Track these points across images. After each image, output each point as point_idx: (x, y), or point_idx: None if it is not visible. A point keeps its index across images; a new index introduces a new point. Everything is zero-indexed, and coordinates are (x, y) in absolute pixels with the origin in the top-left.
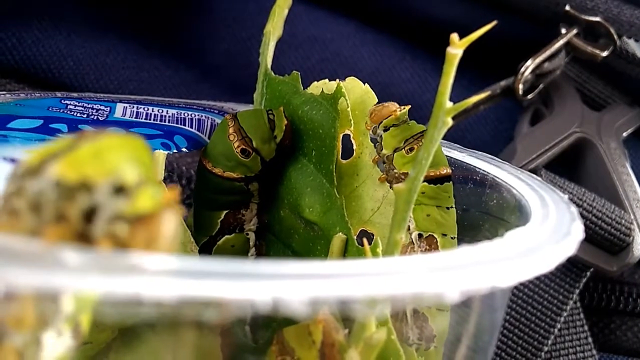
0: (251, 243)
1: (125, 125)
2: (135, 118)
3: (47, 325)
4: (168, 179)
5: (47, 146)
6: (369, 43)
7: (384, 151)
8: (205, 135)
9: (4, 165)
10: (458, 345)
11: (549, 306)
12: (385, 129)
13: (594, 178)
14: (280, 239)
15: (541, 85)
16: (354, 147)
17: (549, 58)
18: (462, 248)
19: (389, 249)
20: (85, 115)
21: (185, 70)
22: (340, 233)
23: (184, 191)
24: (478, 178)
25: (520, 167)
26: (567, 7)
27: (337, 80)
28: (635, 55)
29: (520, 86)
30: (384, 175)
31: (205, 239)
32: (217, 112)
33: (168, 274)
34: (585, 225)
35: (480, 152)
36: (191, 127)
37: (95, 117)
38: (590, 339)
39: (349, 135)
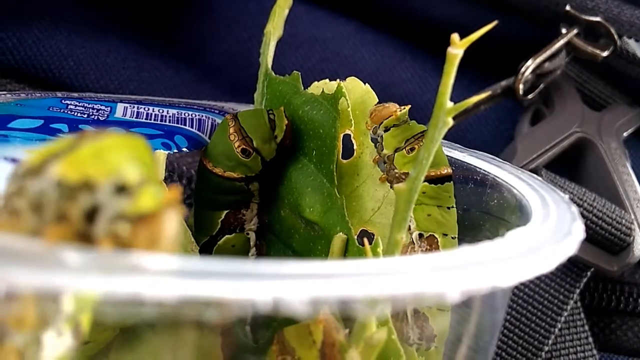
0: (252, 243)
1: (126, 125)
2: (135, 118)
3: (48, 325)
4: (168, 179)
5: (48, 146)
6: (370, 43)
7: (384, 151)
8: (205, 135)
9: (4, 165)
10: (459, 345)
11: (549, 306)
12: (386, 129)
13: (595, 178)
14: (280, 239)
15: (542, 85)
16: (355, 147)
17: (550, 58)
18: (463, 248)
19: (389, 249)
20: (85, 115)
21: (186, 70)
22: (341, 233)
23: (185, 191)
24: (479, 178)
25: (521, 167)
26: (568, 7)
27: (338, 80)
28: (635, 55)
29: (521, 86)
30: (384, 175)
31: (206, 238)
32: (217, 112)
33: (168, 274)
34: (586, 225)
35: (480, 152)
36: (192, 127)
37: (96, 117)
38: (590, 339)
39: (350, 135)
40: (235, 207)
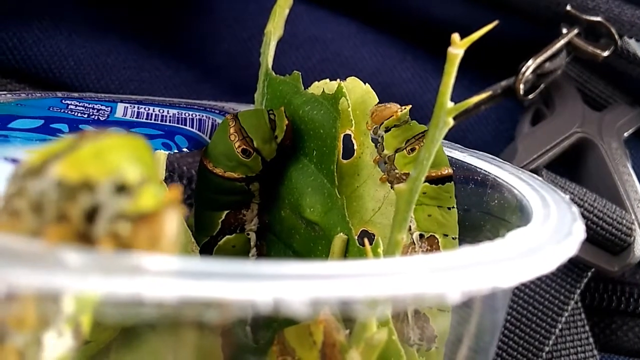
0: (252, 243)
1: (126, 125)
2: (136, 118)
3: (48, 325)
4: (169, 179)
5: (49, 146)
6: (370, 43)
7: (385, 151)
8: (206, 136)
9: (5, 165)
10: (459, 346)
11: (550, 306)
12: (387, 130)
13: (595, 178)
14: (281, 239)
15: (542, 85)
16: (355, 147)
17: (550, 58)
18: (464, 248)
19: (390, 250)
20: (86, 115)
21: (186, 71)
22: (342, 233)
23: (185, 191)
24: (479, 178)
25: (522, 167)
26: (568, 7)
27: (338, 80)
28: (636, 55)
29: (521, 86)
30: (385, 176)
31: (206, 239)
32: (218, 112)
33: (169, 275)
34: (587, 226)
35: (481, 152)
36: (192, 127)
37: (96, 117)
38: (591, 340)
39: (350, 135)
40: (235, 208)
